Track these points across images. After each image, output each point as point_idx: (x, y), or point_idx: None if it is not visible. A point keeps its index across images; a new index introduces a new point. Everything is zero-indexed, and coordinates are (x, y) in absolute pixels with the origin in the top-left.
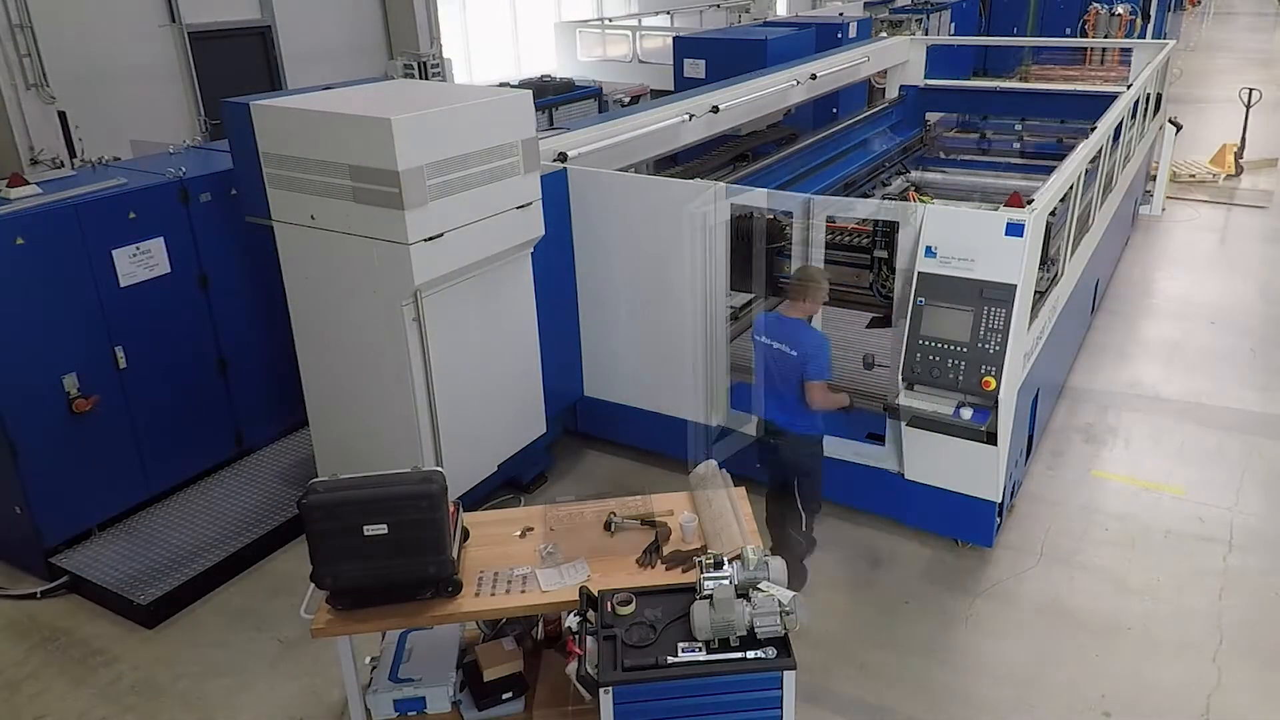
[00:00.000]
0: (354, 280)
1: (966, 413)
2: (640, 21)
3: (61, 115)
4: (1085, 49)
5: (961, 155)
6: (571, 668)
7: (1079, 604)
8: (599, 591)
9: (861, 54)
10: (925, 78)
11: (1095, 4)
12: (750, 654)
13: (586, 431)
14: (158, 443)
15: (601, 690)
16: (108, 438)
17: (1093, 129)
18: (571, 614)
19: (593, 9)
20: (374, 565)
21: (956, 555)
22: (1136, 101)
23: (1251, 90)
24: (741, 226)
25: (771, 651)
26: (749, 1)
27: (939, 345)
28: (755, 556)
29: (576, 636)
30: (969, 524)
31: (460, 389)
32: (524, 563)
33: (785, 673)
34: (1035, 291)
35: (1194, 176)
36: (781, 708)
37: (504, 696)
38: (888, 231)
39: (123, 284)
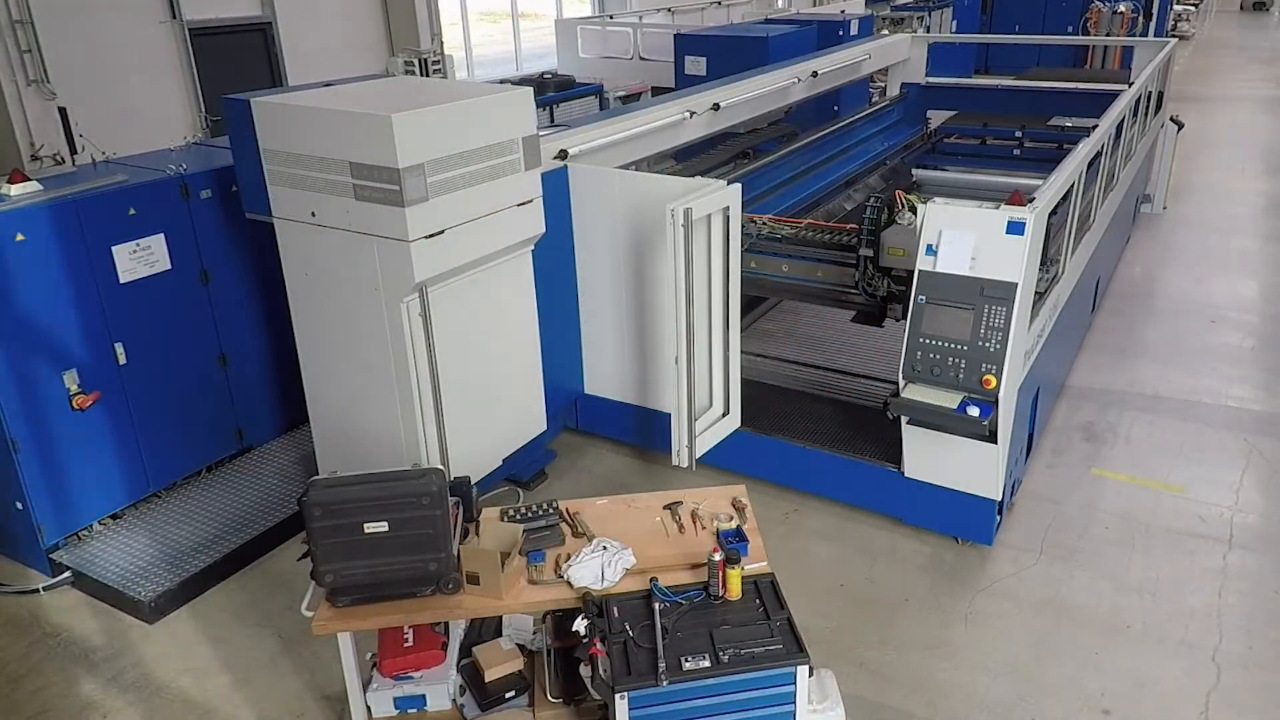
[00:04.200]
0: (354, 277)
1: (974, 410)
2: (641, 19)
3: (62, 111)
4: (1087, 48)
5: (962, 154)
6: (585, 672)
7: (1079, 602)
8: (603, 597)
9: (863, 51)
10: (926, 75)
11: (1097, 2)
12: (760, 649)
13: (587, 429)
14: (158, 439)
15: (616, 695)
16: (108, 434)
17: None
18: (580, 618)
19: (594, 5)
20: (374, 562)
21: (956, 553)
22: (1138, 99)
23: None
24: None
25: (781, 649)
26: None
27: (939, 344)
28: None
29: (587, 640)
30: (969, 522)
31: (461, 386)
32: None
33: (798, 667)
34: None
35: None
36: (795, 703)
37: (507, 695)
38: (872, 231)
39: (123, 280)
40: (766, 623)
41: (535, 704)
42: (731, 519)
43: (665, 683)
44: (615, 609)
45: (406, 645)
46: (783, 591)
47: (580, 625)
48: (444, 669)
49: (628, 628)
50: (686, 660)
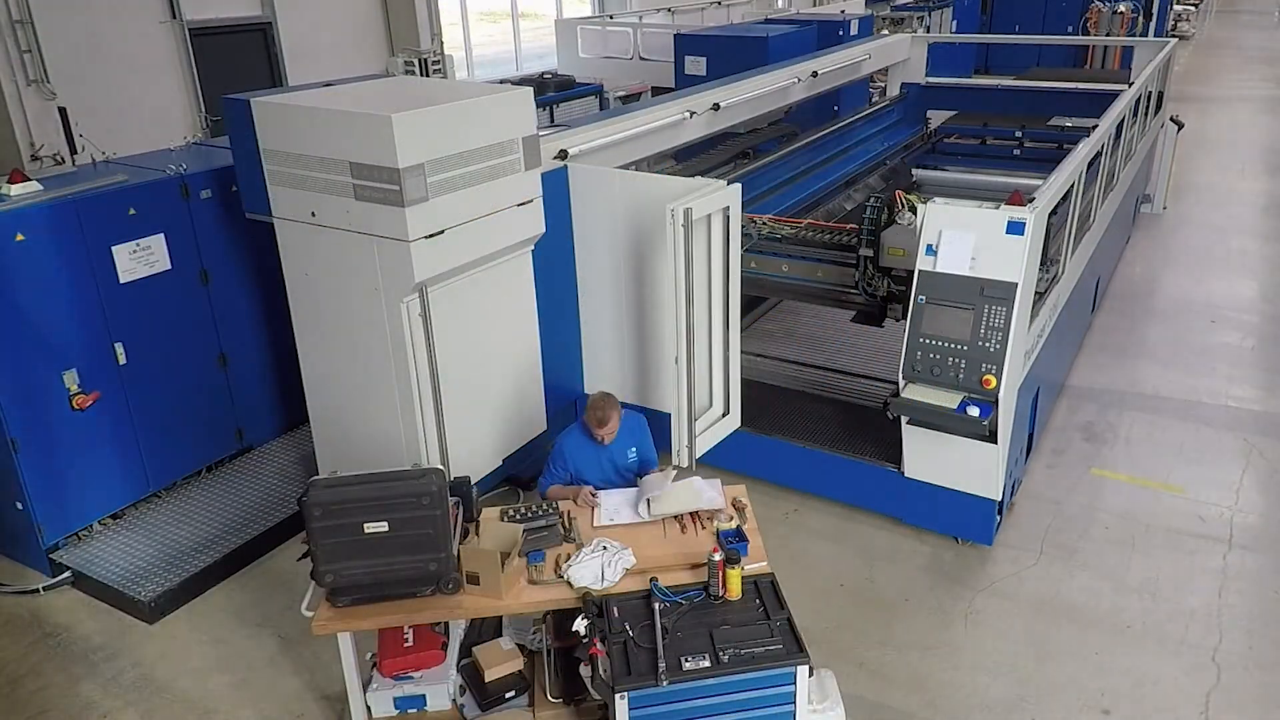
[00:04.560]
0: (354, 277)
1: (974, 410)
2: (641, 19)
3: (62, 111)
4: (1087, 47)
5: (962, 154)
6: (585, 672)
7: (1079, 602)
8: (603, 597)
9: (863, 51)
10: (927, 75)
11: (1097, 2)
12: (760, 649)
13: None
14: (158, 439)
15: (616, 695)
16: (108, 434)
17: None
18: (580, 618)
19: (594, 5)
20: (374, 562)
21: (956, 553)
22: (1138, 100)
23: None
24: None
25: (781, 649)
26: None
27: (939, 344)
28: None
29: (587, 640)
30: (969, 522)
31: (461, 386)
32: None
33: (798, 667)
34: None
35: None
36: (795, 703)
37: (507, 695)
38: (872, 231)
39: (123, 280)
40: (766, 623)
41: (535, 704)
42: (731, 519)
43: (665, 683)
44: (615, 609)
45: (406, 645)
46: (783, 591)
47: (580, 625)
48: (444, 669)
49: (628, 628)
50: (686, 660)
